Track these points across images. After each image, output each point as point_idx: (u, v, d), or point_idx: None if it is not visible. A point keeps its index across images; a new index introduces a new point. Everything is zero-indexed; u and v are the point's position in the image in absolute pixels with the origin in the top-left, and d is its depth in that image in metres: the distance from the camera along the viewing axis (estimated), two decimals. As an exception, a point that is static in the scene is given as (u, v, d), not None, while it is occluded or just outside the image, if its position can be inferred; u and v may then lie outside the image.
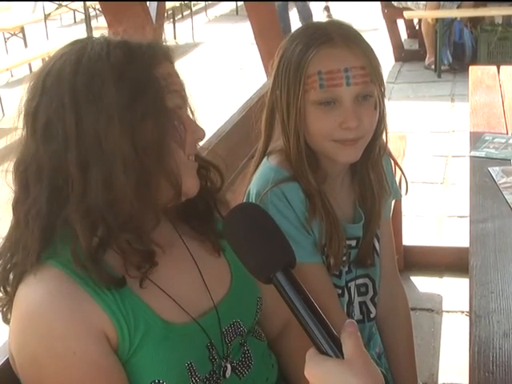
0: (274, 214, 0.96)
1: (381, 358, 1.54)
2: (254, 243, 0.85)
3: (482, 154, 2.12)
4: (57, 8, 9.96)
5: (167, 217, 1.12)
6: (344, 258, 1.42)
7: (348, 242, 1.42)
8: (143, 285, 1.00)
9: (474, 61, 6.20)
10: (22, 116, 1.02)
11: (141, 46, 1.01)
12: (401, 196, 1.64)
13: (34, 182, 0.98)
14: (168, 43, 1.09)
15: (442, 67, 6.66)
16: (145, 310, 1.00)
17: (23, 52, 7.60)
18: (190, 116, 1.08)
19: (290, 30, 6.63)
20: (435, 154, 4.66)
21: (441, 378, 2.46)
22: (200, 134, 1.06)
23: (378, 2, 7.28)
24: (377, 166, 1.42)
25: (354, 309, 1.48)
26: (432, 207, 3.88)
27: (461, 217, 3.55)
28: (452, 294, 2.96)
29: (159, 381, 0.99)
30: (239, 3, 9.37)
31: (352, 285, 1.47)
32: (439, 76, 6.62)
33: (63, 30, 10.60)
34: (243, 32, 8.55)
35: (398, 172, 1.61)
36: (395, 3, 7.09)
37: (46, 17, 9.62)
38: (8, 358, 1.08)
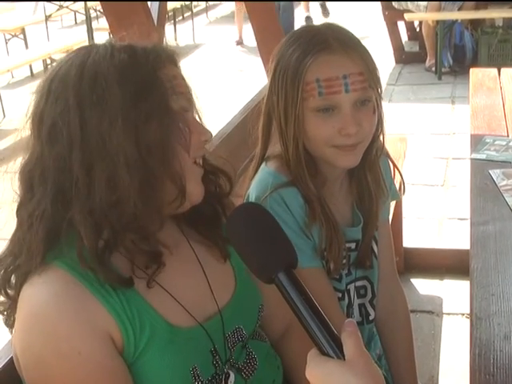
0: None
1: (381, 360, 1.54)
2: (257, 243, 0.85)
3: (483, 157, 2.12)
4: (58, 9, 9.95)
5: (174, 221, 1.12)
6: (344, 261, 1.42)
7: (347, 245, 1.42)
8: (150, 285, 1.00)
9: (475, 63, 6.20)
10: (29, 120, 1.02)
11: (145, 49, 1.01)
12: (399, 197, 1.64)
13: (39, 184, 0.98)
14: (172, 46, 1.09)
15: (443, 69, 6.66)
16: (150, 313, 1.00)
17: (24, 53, 7.61)
18: (197, 118, 1.08)
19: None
20: (436, 156, 4.66)
21: (441, 381, 2.46)
22: (206, 136, 1.06)
23: (379, 4, 7.29)
24: (374, 168, 1.42)
25: (353, 311, 1.48)
26: (432, 209, 3.88)
27: (461, 219, 3.55)
28: (452, 296, 2.96)
29: None
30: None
31: (351, 287, 1.47)
32: (440, 78, 6.62)
33: (64, 32, 10.60)
34: (243, 33, 8.56)
35: (398, 173, 1.60)
36: (396, 5, 7.09)
37: (47, 18, 9.62)
38: (9, 360, 1.09)
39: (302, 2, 9.79)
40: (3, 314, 1.04)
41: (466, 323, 2.69)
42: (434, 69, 6.80)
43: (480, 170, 2.02)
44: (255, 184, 1.38)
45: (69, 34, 9.96)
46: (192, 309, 1.06)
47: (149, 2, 2.21)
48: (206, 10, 11.52)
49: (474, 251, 1.58)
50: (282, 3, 7.60)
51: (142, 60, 0.99)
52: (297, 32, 1.35)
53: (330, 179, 1.39)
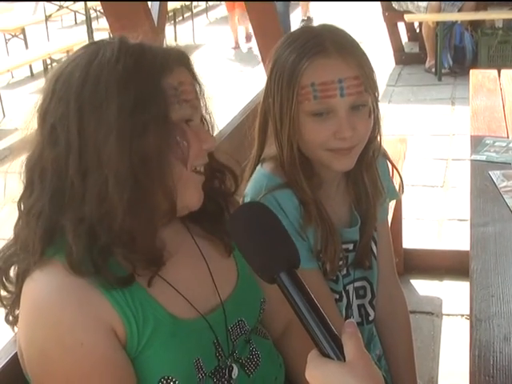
0: None
1: (381, 361, 1.54)
2: (259, 243, 0.85)
3: (483, 158, 2.12)
4: (58, 9, 9.96)
5: (179, 217, 1.12)
6: (341, 263, 1.41)
7: (345, 246, 1.42)
8: (151, 284, 1.00)
9: (475, 64, 6.20)
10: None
11: (155, 52, 1.00)
12: (398, 196, 1.64)
13: (39, 181, 0.99)
14: (184, 46, 1.08)
15: (443, 70, 6.66)
16: (154, 306, 1.00)
17: (24, 53, 7.61)
18: (205, 124, 1.08)
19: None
20: (435, 158, 4.66)
21: (441, 382, 2.46)
22: (209, 144, 1.05)
23: (379, 5, 7.29)
24: (371, 169, 1.42)
25: (352, 312, 1.48)
26: (432, 210, 3.89)
27: (461, 220, 3.55)
28: (452, 297, 2.96)
29: (168, 377, 1.00)
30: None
31: (350, 288, 1.47)
32: (440, 79, 6.62)
33: (64, 32, 10.60)
34: (243, 34, 8.57)
35: (396, 173, 1.60)
36: (396, 6, 7.09)
37: (47, 18, 9.62)
38: (12, 358, 1.09)
39: (301, 5, 9.77)
40: (6, 308, 1.04)
41: (465, 324, 2.69)
42: (433, 70, 6.80)
43: (480, 172, 2.02)
44: (250, 186, 1.38)
45: (69, 34, 9.96)
46: (195, 301, 1.06)
47: (149, 3, 2.21)
48: (206, 10, 11.53)
49: (473, 252, 1.58)
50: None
51: (147, 66, 0.98)
52: (294, 33, 1.34)
53: (327, 181, 1.39)
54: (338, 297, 1.43)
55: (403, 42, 7.58)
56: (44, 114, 0.99)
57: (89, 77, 0.96)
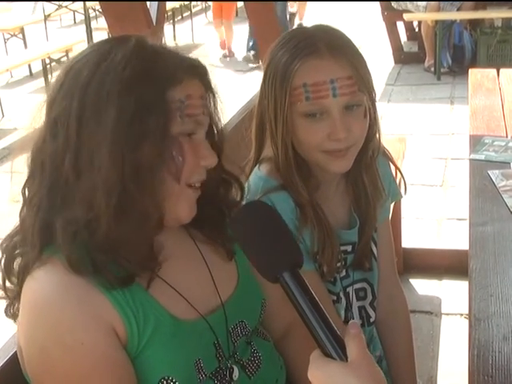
0: None
1: (381, 362, 1.54)
2: (263, 242, 0.85)
3: (482, 157, 2.12)
4: (57, 9, 9.95)
5: None
6: (339, 265, 1.41)
7: (343, 248, 1.41)
8: (149, 286, 1.00)
9: (474, 63, 6.20)
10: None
11: (168, 60, 0.99)
12: (401, 197, 1.63)
13: (39, 171, 0.99)
14: (201, 56, 1.06)
15: (442, 70, 6.67)
16: (155, 306, 1.00)
17: (23, 53, 7.61)
18: (215, 137, 1.08)
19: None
20: (435, 157, 4.66)
21: (440, 381, 2.46)
22: (208, 161, 1.03)
23: (378, 5, 7.29)
24: (370, 169, 1.41)
25: (352, 314, 1.47)
26: (431, 210, 3.89)
27: (460, 219, 3.55)
28: (451, 296, 2.96)
29: (168, 377, 0.99)
30: (239, 5, 9.34)
31: (350, 290, 1.46)
32: (439, 78, 6.63)
33: (63, 31, 10.60)
34: (243, 33, 8.54)
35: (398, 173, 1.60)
36: (395, 5, 7.10)
37: (46, 18, 9.61)
38: (10, 358, 1.09)
39: (297, 9, 9.71)
40: (9, 299, 1.03)
41: (464, 324, 2.69)
42: (432, 69, 6.81)
43: (479, 171, 2.02)
44: (246, 188, 1.37)
45: (68, 33, 9.96)
46: (195, 302, 1.06)
47: (148, 2, 2.21)
48: (205, 10, 11.52)
49: (472, 252, 1.58)
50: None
51: (155, 76, 0.96)
52: (287, 34, 1.33)
53: (325, 182, 1.38)
54: (335, 298, 1.43)
55: (402, 42, 7.59)
56: (51, 103, 0.99)
57: (94, 78, 0.95)
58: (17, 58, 7.00)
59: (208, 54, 8.23)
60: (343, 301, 1.44)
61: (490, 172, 1.98)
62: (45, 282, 0.95)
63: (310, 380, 0.80)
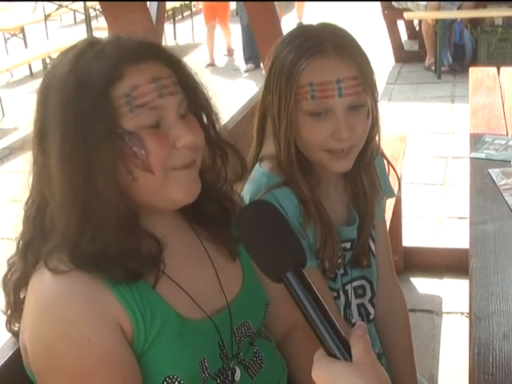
0: None
1: (381, 359, 1.54)
2: (266, 241, 0.85)
3: (482, 156, 2.12)
4: (57, 8, 9.96)
5: (185, 219, 1.12)
6: (339, 261, 1.41)
7: (343, 245, 1.41)
8: (155, 285, 1.00)
9: (474, 62, 6.20)
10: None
11: (105, 60, 0.94)
12: (394, 195, 1.64)
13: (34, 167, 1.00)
14: (185, 45, 1.05)
15: (442, 68, 6.66)
16: (162, 305, 1.00)
17: (23, 52, 7.61)
18: (201, 114, 1.06)
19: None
20: (435, 155, 4.66)
21: (440, 380, 2.46)
22: (183, 140, 0.98)
23: (379, 3, 7.28)
24: (369, 168, 1.42)
25: (351, 311, 1.48)
26: (432, 208, 3.89)
27: (461, 218, 3.55)
28: (452, 295, 2.96)
29: (173, 376, 0.99)
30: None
31: (349, 287, 1.47)
32: (439, 77, 6.62)
33: (63, 31, 10.60)
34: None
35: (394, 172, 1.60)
36: (395, 4, 7.09)
37: (46, 17, 9.62)
38: (10, 357, 1.08)
39: (296, 7, 9.67)
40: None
41: (465, 322, 2.69)
42: (433, 68, 6.80)
43: (479, 169, 2.02)
44: (249, 185, 1.37)
45: (68, 33, 9.97)
46: (201, 302, 1.06)
47: (147, 2, 2.21)
48: (206, 9, 11.51)
49: (473, 250, 1.58)
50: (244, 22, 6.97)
51: (91, 81, 0.92)
52: (293, 32, 1.33)
53: (325, 179, 1.39)
54: (335, 295, 1.43)
55: (403, 40, 7.58)
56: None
57: (46, 93, 0.96)
58: (17, 58, 7.01)
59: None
60: (342, 298, 1.45)
61: (490, 170, 1.98)
62: (49, 278, 0.95)
63: (313, 380, 0.80)
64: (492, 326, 1.31)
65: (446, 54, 6.69)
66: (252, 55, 7.31)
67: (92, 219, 0.93)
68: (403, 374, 1.53)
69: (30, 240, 1.00)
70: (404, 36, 7.83)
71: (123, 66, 0.94)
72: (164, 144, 0.97)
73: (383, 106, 5.33)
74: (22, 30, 8.38)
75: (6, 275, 1.03)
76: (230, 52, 8.46)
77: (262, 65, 4.28)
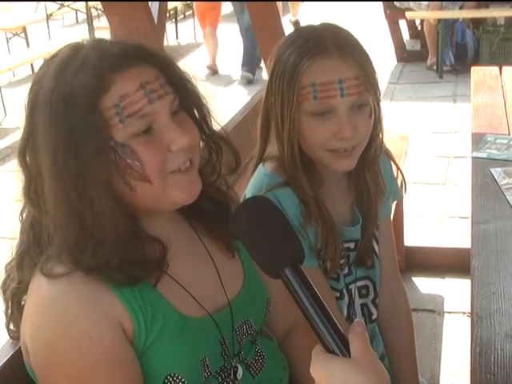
0: None
1: (384, 359, 1.54)
2: (264, 237, 0.84)
3: (484, 155, 2.12)
4: (59, 8, 9.96)
5: (183, 216, 1.12)
6: (342, 261, 1.41)
7: (346, 245, 1.42)
8: (157, 285, 1.00)
9: (476, 61, 6.19)
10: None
11: (88, 71, 0.91)
12: (402, 196, 1.64)
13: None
14: (186, 45, 1.04)
15: (444, 68, 6.65)
16: (163, 304, 1.00)
17: (25, 52, 7.61)
18: (195, 113, 1.05)
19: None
20: (437, 155, 4.65)
21: (442, 380, 2.46)
22: (178, 143, 0.96)
23: (380, 3, 7.28)
24: (373, 167, 1.42)
25: (354, 311, 1.48)
26: (434, 208, 3.88)
27: (462, 218, 3.54)
28: (453, 294, 2.96)
29: (174, 374, 1.00)
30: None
31: (353, 287, 1.47)
32: (441, 77, 6.61)
33: (65, 30, 10.60)
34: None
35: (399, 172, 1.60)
36: (397, 4, 7.08)
37: (48, 17, 9.63)
38: (11, 357, 1.09)
39: (291, 6, 9.63)
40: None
41: (467, 322, 2.68)
42: (435, 67, 6.79)
43: (481, 169, 2.02)
44: (251, 184, 1.38)
45: (70, 32, 9.97)
46: (202, 300, 1.06)
47: (149, 2, 2.21)
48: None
49: (475, 250, 1.58)
50: (246, 22, 6.49)
51: (77, 96, 0.90)
52: (295, 33, 1.34)
53: (328, 179, 1.39)
54: (338, 295, 1.43)
55: (405, 40, 7.57)
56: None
57: (33, 110, 0.95)
58: (19, 58, 7.01)
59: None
60: (346, 298, 1.45)
61: (492, 170, 1.98)
62: (50, 279, 0.95)
63: (312, 376, 0.79)
64: (494, 325, 1.31)
65: (448, 54, 6.68)
66: (249, 62, 6.97)
67: (91, 235, 0.93)
68: (405, 374, 1.54)
69: (26, 251, 1.01)
70: (406, 35, 7.81)
71: (109, 76, 0.92)
72: (158, 151, 0.95)
73: (385, 106, 5.32)
74: (24, 30, 8.37)
75: (4, 281, 1.04)
76: (212, 68, 7.48)
77: (263, 65, 4.27)
